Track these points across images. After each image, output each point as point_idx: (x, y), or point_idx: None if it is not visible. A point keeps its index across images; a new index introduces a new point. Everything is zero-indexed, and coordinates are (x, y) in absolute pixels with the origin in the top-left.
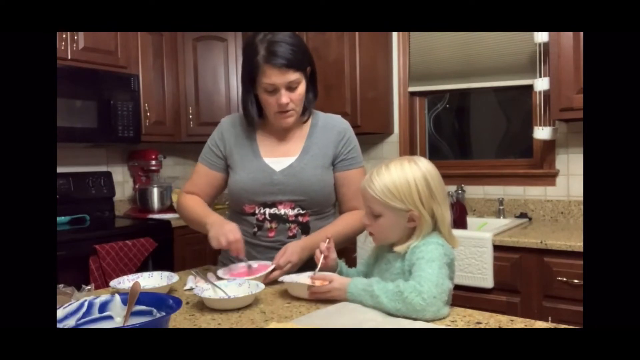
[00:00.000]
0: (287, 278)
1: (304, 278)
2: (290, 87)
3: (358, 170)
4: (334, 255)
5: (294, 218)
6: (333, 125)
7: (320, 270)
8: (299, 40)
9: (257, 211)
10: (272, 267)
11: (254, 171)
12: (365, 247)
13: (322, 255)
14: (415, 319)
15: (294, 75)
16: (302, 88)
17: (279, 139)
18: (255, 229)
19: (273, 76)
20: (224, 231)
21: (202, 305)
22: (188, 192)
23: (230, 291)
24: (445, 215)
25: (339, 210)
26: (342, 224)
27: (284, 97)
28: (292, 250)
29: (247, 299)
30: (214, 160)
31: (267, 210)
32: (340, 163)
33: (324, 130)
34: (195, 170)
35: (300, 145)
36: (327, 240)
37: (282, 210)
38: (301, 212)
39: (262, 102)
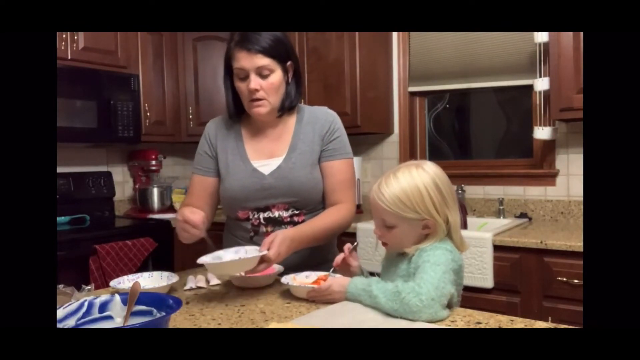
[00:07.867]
0: (286, 278)
1: (302, 278)
2: (261, 74)
3: (342, 161)
4: (356, 263)
5: (289, 219)
6: (318, 119)
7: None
8: (282, 35)
9: (251, 216)
10: (262, 253)
11: (243, 177)
12: (375, 256)
13: (342, 258)
14: (412, 320)
15: (263, 61)
16: (275, 77)
17: (265, 137)
18: (252, 234)
19: (242, 60)
20: (178, 222)
21: (202, 305)
22: (185, 204)
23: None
24: (457, 220)
25: (324, 203)
26: (329, 219)
27: (253, 82)
28: (283, 239)
29: (252, 261)
30: (208, 166)
31: (261, 215)
32: (323, 153)
33: (309, 126)
34: (190, 183)
35: (286, 144)
36: (355, 244)
37: (276, 213)
38: (295, 212)
39: (237, 91)
